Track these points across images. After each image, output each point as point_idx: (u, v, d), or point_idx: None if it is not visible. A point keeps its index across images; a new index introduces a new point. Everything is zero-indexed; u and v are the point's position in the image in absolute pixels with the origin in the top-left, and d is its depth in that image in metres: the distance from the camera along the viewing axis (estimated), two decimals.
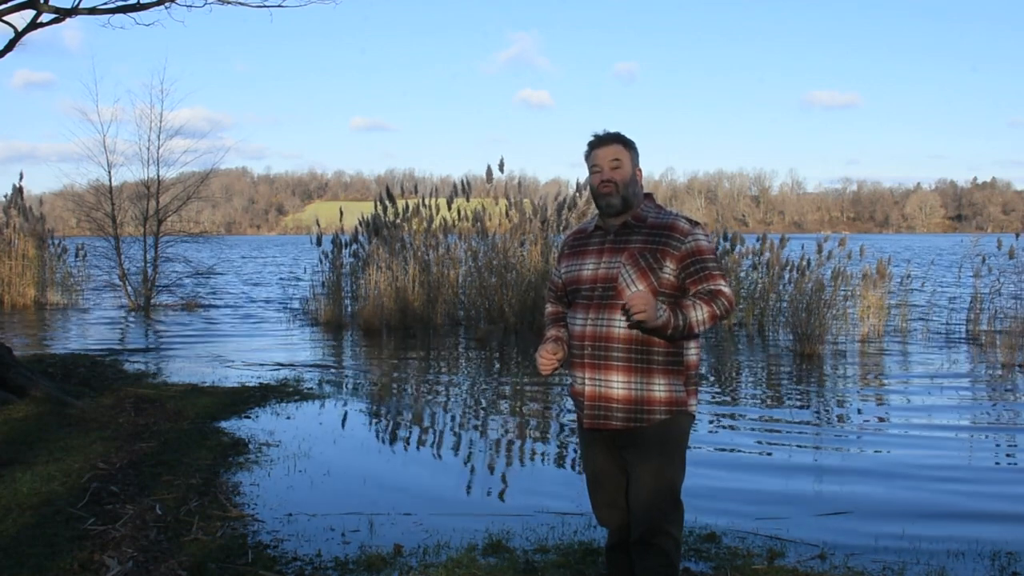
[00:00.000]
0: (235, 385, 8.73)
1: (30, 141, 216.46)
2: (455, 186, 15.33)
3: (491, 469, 5.92)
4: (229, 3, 8.30)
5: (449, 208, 15.10)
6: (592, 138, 3.04)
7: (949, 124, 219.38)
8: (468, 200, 15.14)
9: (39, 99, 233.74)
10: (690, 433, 3.03)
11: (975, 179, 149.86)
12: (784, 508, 4.97)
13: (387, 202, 14.96)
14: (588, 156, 3.03)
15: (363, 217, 15.22)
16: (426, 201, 15.13)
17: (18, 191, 19.02)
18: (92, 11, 8.02)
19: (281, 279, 28.42)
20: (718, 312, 2.84)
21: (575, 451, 6.23)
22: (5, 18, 7.86)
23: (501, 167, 14.90)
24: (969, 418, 7.69)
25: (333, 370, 10.04)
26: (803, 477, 5.70)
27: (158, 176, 18.69)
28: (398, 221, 14.90)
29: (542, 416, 7.74)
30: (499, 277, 14.17)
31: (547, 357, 2.99)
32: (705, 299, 2.84)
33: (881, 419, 7.61)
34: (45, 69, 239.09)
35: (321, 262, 15.33)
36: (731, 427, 7.24)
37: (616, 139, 3.01)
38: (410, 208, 15.18)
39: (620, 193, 2.95)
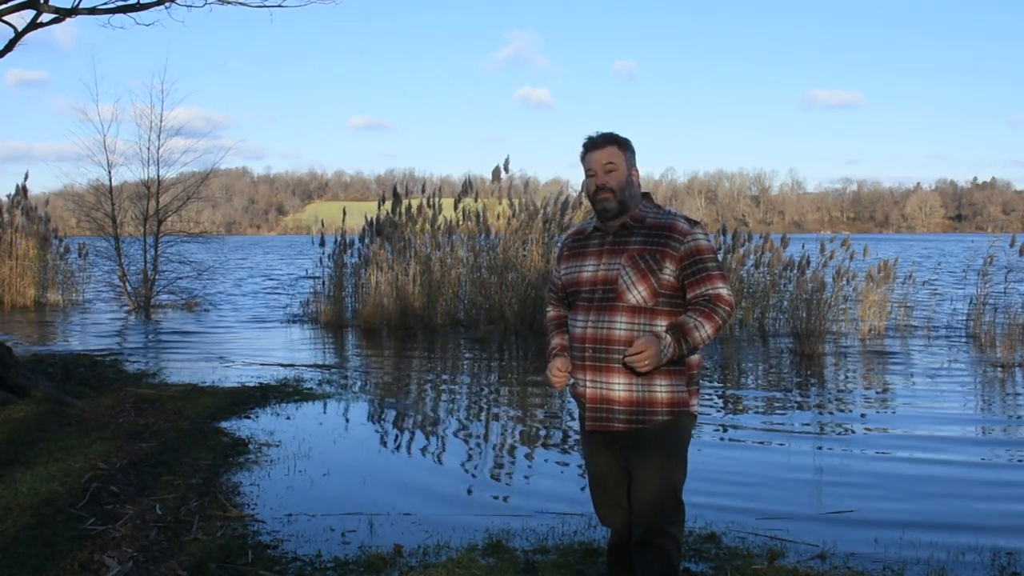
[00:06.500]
0: (235, 385, 8.73)
1: (27, 141, 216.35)
2: (463, 186, 15.35)
3: (491, 469, 5.92)
4: (229, 3, 8.30)
5: (456, 208, 15.12)
6: (586, 140, 3.01)
7: (949, 124, 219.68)
8: (476, 200, 15.15)
9: (33, 98, 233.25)
10: (692, 433, 3.03)
11: (975, 179, 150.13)
12: (784, 508, 4.98)
13: (394, 202, 14.95)
14: (583, 158, 3.01)
15: (368, 217, 15.21)
16: (430, 201, 15.13)
17: (22, 191, 19.03)
18: (92, 11, 8.02)
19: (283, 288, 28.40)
20: (720, 322, 2.84)
21: (575, 451, 6.23)
22: (5, 18, 7.86)
23: (506, 167, 14.93)
24: (968, 418, 7.68)
25: (333, 370, 10.03)
26: (803, 477, 5.70)
27: (158, 176, 18.68)
28: (404, 220, 14.90)
29: (542, 416, 7.74)
30: (499, 277, 14.17)
31: (558, 375, 2.99)
32: (706, 312, 2.83)
33: (881, 418, 7.61)
34: (39, 68, 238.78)
35: (321, 263, 15.32)
36: (731, 427, 7.23)
37: (610, 140, 2.98)
38: (414, 207, 15.19)
39: (616, 198, 2.93)
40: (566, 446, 6.52)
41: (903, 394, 8.72)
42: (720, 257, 7.43)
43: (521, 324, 13.44)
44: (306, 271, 18.02)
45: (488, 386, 9.38)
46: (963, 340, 12.69)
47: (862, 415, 7.71)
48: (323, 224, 16.98)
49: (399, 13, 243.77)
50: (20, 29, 7.93)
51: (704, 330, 2.81)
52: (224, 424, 6.94)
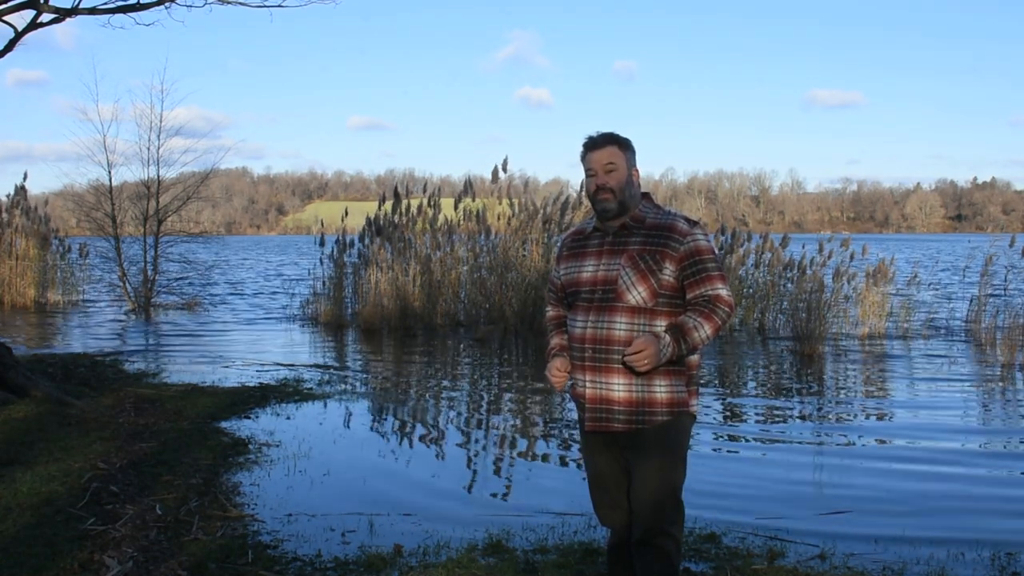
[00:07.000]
0: (235, 385, 8.73)
1: (27, 141, 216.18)
2: (463, 186, 15.36)
3: (491, 469, 5.92)
4: (229, 3, 8.30)
5: (456, 208, 15.13)
6: (586, 139, 3.01)
7: (949, 124, 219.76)
8: (474, 200, 15.16)
9: (33, 98, 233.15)
10: (691, 433, 3.03)
11: (975, 179, 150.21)
12: (784, 508, 4.97)
13: (394, 202, 14.94)
14: (583, 158, 3.01)
15: (369, 217, 15.20)
16: (431, 201, 15.13)
17: (22, 191, 19.01)
18: (92, 11, 8.02)
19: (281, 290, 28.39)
20: (720, 323, 2.84)
21: (575, 451, 6.23)
22: (5, 18, 7.86)
23: (504, 167, 14.92)
24: (969, 419, 7.68)
25: (333, 370, 10.03)
26: (803, 477, 5.70)
27: (158, 176, 18.68)
28: (404, 221, 14.89)
29: (542, 416, 7.74)
30: (499, 277, 14.17)
31: (558, 375, 2.99)
32: (705, 313, 2.83)
33: (880, 426, 7.60)
34: (39, 68, 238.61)
35: (322, 263, 15.32)
36: (731, 427, 7.23)
37: (611, 140, 2.98)
38: (414, 207, 15.20)
39: (617, 198, 2.93)
40: (566, 446, 6.52)
41: (903, 399, 8.67)
42: (720, 257, 7.41)
43: (521, 324, 13.44)
44: (308, 271, 17.98)
45: (488, 387, 9.38)
46: (963, 341, 12.68)
47: (861, 414, 7.70)
48: (323, 224, 16.97)
49: (399, 13, 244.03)
50: (20, 29, 7.94)
51: (703, 330, 2.81)
52: (224, 424, 6.94)
